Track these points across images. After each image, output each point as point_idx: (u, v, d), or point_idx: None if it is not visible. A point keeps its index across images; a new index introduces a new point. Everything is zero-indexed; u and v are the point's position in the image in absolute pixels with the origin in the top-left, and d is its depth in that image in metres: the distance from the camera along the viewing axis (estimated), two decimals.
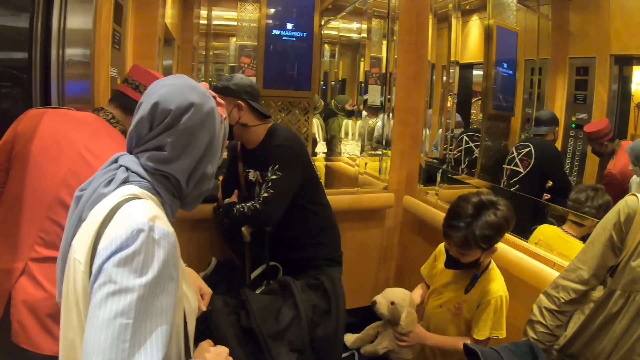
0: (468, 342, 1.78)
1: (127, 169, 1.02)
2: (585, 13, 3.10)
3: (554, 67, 3.29)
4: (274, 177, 2.06)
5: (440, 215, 2.73)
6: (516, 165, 3.00)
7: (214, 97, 1.10)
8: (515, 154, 3.05)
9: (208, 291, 1.40)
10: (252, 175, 2.24)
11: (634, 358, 1.28)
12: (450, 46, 3.12)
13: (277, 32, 2.81)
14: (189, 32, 3.47)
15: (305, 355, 1.46)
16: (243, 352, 1.40)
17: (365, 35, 3.45)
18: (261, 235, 2.22)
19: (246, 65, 4.32)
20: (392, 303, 1.89)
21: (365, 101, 3.42)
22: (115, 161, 1.06)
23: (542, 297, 1.51)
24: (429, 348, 1.97)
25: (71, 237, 1.01)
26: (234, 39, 4.35)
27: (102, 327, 0.81)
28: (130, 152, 1.07)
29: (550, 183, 2.99)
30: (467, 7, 3.34)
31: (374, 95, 3.50)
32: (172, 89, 1.02)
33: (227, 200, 2.29)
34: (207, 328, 1.24)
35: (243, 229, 2.18)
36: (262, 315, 1.50)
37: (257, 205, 2.05)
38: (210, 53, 3.86)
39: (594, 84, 3.05)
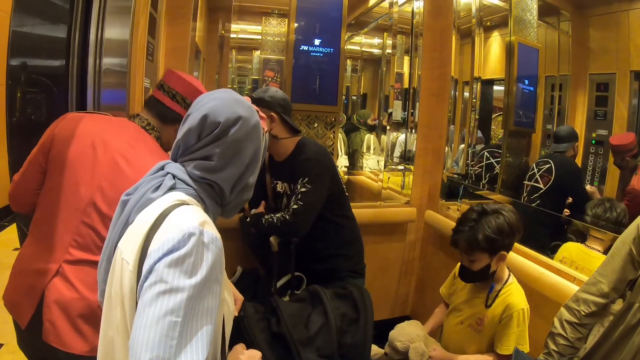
0: (492, 359, 1.81)
1: (174, 176, 1.07)
2: (605, 29, 3.13)
3: (574, 84, 3.31)
4: (303, 189, 2.10)
5: None
6: (536, 181, 3.02)
7: (257, 111, 1.15)
8: (535, 170, 3.07)
9: (240, 297, 1.45)
10: (280, 186, 2.29)
11: None
12: (473, 63, 3.16)
13: (304, 47, 2.86)
14: (214, 44, 3.55)
15: None
16: (274, 357, 1.43)
17: (389, 50, 3.51)
18: (287, 246, 2.26)
19: (270, 79, 4.41)
20: (395, 349, 1.90)
21: (390, 115, 3.46)
22: (162, 168, 1.11)
23: (563, 310, 1.55)
24: None
25: (117, 239, 1.06)
26: (257, 52, 4.45)
27: (152, 324, 0.84)
28: (175, 160, 1.12)
29: (570, 199, 2.99)
30: (488, 24, 3.38)
31: (396, 111, 3.55)
32: (221, 102, 1.08)
33: (254, 211, 2.33)
34: (239, 333, 1.27)
35: (271, 238, 2.23)
36: (293, 321, 1.54)
37: (287, 217, 2.09)
38: (233, 66, 3.94)
39: (614, 100, 3.07)
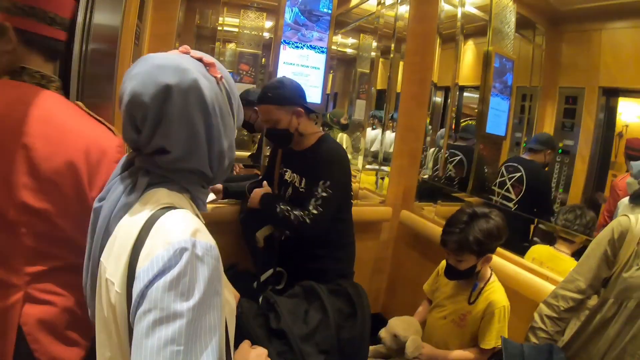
0: (474, 354, 1.89)
1: (148, 170, 0.93)
2: (578, 46, 3.29)
3: (544, 95, 3.46)
4: (324, 194, 2.04)
5: (437, 230, 2.85)
6: (508, 190, 3.13)
7: (200, 60, 0.94)
8: (505, 176, 3.18)
9: (236, 294, 1.42)
10: (289, 176, 2.24)
11: (626, 358, 1.42)
12: (456, 69, 3.25)
13: (291, 43, 2.86)
14: (190, 33, 3.50)
15: (332, 356, 1.50)
16: (275, 353, 1.44)
17: (374, 53, 3.56)
18: (273, 242, 2.27)
19: (244, 72, 4.39)
20: (395, 335, 1.97)
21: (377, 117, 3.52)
22: (131, 163, 0.97)
23: (542, 306, 1.66)
24: None
25: (98, 253, 0.93)
26: (231, 44, 4.40)
27: (152, 356, 0.76)
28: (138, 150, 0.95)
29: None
30: (465, 32, 3.48)
31: (360, 110, 3.60)
32: (140, 78, 0.86)
33: (262, 190, 2.24)
34: (236, 328, 1.27)
35: (258, 234, 2.22)
36: (292, 317, 1.54)
37: (307, 220, 2.03)
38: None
39: (582, 113, 3.24)
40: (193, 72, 0.88)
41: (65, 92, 1.59)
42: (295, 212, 2.04)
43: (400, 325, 2.00)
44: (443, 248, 1.91)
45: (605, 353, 1.47)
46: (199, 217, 0.94)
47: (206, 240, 0.84)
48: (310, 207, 2.03)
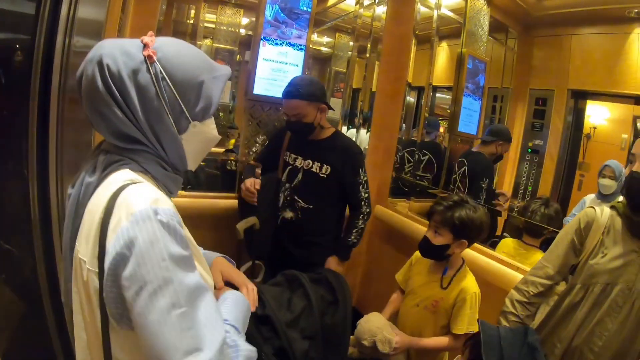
0: (448, 339, 1.96)
1: (107, 151, 0.97)
2: (548, 49, 3.41)
3: (515, 96, 3.58)
4: (365, 179, 2.41)
5: (411, 225, 2.94)
6: (458, 186, 3.23)
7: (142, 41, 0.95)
8: (456, 173, 3.30)
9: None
10: (302, 163, 2.38)
11: (594, 340, 1.52)
12: (431, 70, 3.33)
13: (271, 40, 2.89)
14: (168, 28, 3.49)
15: (316, 342, 1.54)
16: (261, 338, 1.47)
17: (350, 52, 3.60)
18: (251, 234, 2.32)
19: None
20: (363, 346, 2.00)
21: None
22: (98, 147, 1.00)
23: (513, 291, 1.75)
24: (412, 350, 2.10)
25: (70, 237, 0.97)
26: (207, 40, 4.39)
27: (162, 328, 0.80)
28: None
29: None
30: (439, 34, 3.57)
31: (336, 107, 3.64)
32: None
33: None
34: None
35: (237, 226, 2.26)
36: (276, 304, 1.58)
37: (368, 209, 2.45)
38: None
39: (551, 114, 3.37)
40: (105, 48, 0.91)
41: (47, 85, 1.63)
42: (360, 220, 2.44)
43: (363, 333, 2.01)
44: (428, 219, 2.00)
45: (574, 335, 1.56)
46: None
47: (167, 206, 0.88)
48: (362, 193, 2.40)
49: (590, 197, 2.65)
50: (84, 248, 0.89)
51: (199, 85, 0.98)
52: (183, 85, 0.96)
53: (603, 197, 2.58)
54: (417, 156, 3.46)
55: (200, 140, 1.03)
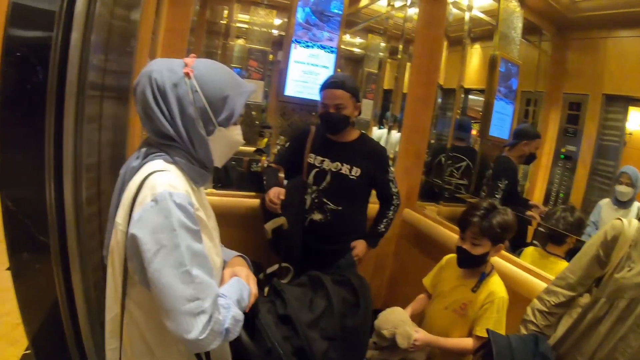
0: (471, 341, 1.94)
1: (149, 143, 1.24)
2: (583, 53, 3.33)
3: (548, 101, 3.52)
4: (393, 176, 2.51)
5: (439, 229, 2.92)
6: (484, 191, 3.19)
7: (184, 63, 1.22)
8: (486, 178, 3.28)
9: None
10: (328, 164, 2.42)
11: (616, 356, 1.47)
12: (462, 72, 3.30)
13: (302, 42, 2.92)
14: (201, 29, 3.55)
15: (336, 343, 1.56)
16: (281, 337, 1.50)
17: (382, 53, 3.60)
18: (279, 234, 2.36)
19: (253, 69, 4.44)
20: (382, 336, 2.02)
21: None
22: (145, 141, 1.27)
23: (535, 300, 1.74)
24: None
25: (115, 204, 1.24)
26: (240, 40, 4.45)
27: (170, 280, 1.08)
28: None
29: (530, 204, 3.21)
30: (472, 36, 3.54)
31: (366, 109, 3.65)
32: None
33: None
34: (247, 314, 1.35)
35: (266, 226, 2.30)
36: (298, 304, 1.61)
37: (398, 202, 2.56)
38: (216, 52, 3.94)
39: (585, 119, 3.29)
40: (155, 65, 1.20)
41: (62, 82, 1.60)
42: (391, 210, 2.54)
43: (385, 324, 2.03)
44: (461, 231, 1.98)
45: (596, 351, 1.52)
46: (192, 187, 1.23)
47: (182, 192, 1.13)
48: (393, 188, 2.50)
49: (605, 202, 2.60)
50: (120, 215, 1.17)
51: (224, 98, 1.23)
52: (212, 98, 1.21)
53: (619, 204, 2.53)
54: (451, 161, 3.43)
55: (224, 143, 1.29)
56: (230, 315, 1.17)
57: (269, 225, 2.30)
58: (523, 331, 1.70)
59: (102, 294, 1.28)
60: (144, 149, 1.23)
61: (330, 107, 2.31)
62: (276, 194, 2.35)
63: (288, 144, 2.70)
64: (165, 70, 1.18)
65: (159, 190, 1.10)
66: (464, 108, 3.88)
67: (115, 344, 1.26)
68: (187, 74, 1.18)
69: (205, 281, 1.13)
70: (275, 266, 2.34)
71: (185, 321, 1.07)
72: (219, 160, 1.31)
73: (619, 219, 1.58)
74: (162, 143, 1.21)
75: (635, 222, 1.55)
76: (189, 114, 1.18)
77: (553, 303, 1.66)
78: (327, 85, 2.32)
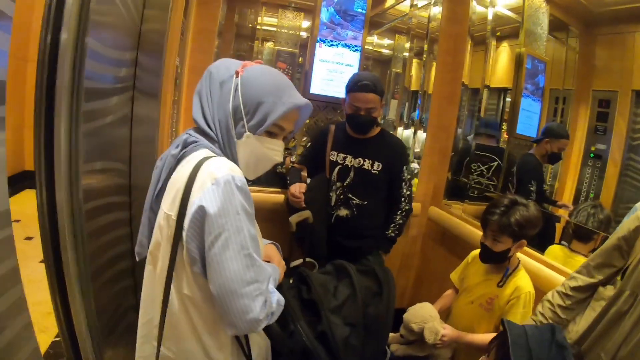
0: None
1: (189, 134, 1.26)
2: (611, 48, 3.26)
3: (577, 98, 3.46)
4: (409, 177, 2.54)
5: (465, 227, 2.91)
6: (509, 189, 3.15)
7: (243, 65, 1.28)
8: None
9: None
10: (351, 161, 2.47)
11: None
12: (487, 71, 3.29)
13: (327, 41, 2.96)
14: (230, 32, 3.62)
15: (357, 330, 1.59)
16: (305, 321, 1.53)
17: (406, 53, 3.63)
18: (304, 228, 2.38)
19: (282, 71, 4.51)
20: (411, 330, 2.05)
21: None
22: (186, 132, 1.30)
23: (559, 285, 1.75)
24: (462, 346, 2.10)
25: (152, 198, 1.29)
26: (269, 43, 4.52)
27: (232, 264, 1.11)
28: None
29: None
30: (499, 34, 3.52)
31: (392, 109, 3.67)
32: None
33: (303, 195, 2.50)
34: None
35: (290, 218, 2.34)
36: (322, 290, 1.64)
37: (408, 207, 2.56)
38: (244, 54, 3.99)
39: (615, 117, 3.23)
40: (218, 62, 1.29)
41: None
42: (398, 216, 2.53)
43: (414, 317, 2.06)
44: (482, 228, 2.00)
45: (620, 347, 1.48)
46: None
47: (240, 174, 1.16)
48: (404, 190, 2.51)
49: None
50: (170, 205, 1.18)
51: (258, 104, 1.23)
52: (248, 100, 1.23)
53: None
54: (481, 161, 3.41)
55: (252, 151, 1.27)
56: (276, 298, 1.21)
57: (294, 218, 2.34)
58: (539, 308, 1.72)
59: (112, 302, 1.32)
60: (183, 137, 1.26)
61: (361, 110, 2.35)
62: (297, 188, 2.40)
63: (310, 144, 2.74)
64: (223, 67, 1.26)
65: (220, 174, 1.12)
66: (491, 107, 3.86)
67: (149, 350, 1.26)
68: (236, 73, 1.23)
69: (262, 264, 1.18)
70: (300, 260, 2.38)
71: (245, 303, 1.11)
72: (246, 169, 1.28)
73: None
74: (201, 134, 1.25)
75: None
76: (224, 109, 1.22)
77: (571, 286, 1.67)
78: (359, 88, 2.33)
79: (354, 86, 2.34)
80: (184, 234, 1.14)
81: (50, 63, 1.39)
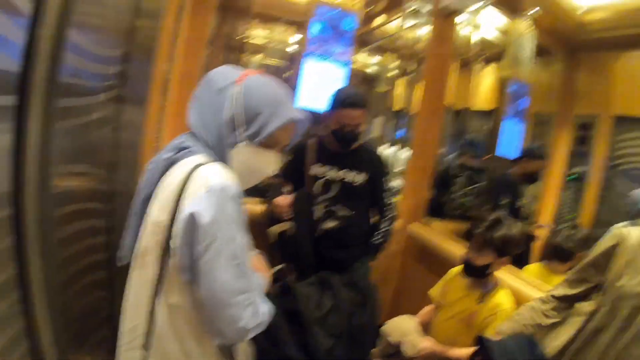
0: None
1: (183, 140, 1.22)
2: (593, 74, 3.36)
3: (559, 121, 3.54)
4: (389, 186, 2.53)
5: (445, 245, 2.93)
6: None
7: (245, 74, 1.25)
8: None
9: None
10: (335, 173, 2.43)
11: None
12: (471, 93, 3.35)
13: (316, 55, 2.99)
14: (220, 42, 3.62)
15: (341, 341, 1.58)
16: (288, 332, 1.52)
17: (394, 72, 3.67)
18: (283, 238, 2.40)
19: None
20: (389, 343, 2.03)
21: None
22: (180, 136, 1.26)
23: None
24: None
25: (141, 201, 1.22)
26: (258, 56, 4.54)
27: (223, 273, 1.08)
28: None
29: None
30: (484, 57, 3.60)
31: (377, 126, 3.71)
32: None
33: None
34: None
35: (271, 229, 2.33)
36: (306, 301, 1.63)
37: (393, 214, 2.52)
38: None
39: (595, 140, 3.31)
40: (221, 67, 1.27)
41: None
42: (385, 224, 2.49)
43: (393, 330, 2.04)
44: (467, 241, 2.03)
45: None
46: None
47: (233, 183, 1.13)
48: (388, 199, 2.50)
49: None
50: (160, 211, 1.13)
51: (256, 114, 1.20)
52: (246, 109, 1.20)
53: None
54: (465, 180, 3.45)
55: (245, 161, 1.23)
56: (266, 308, 1.20)
57: (274, 229, 2.34)
58: (517, 311, 1.78)
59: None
60: (177, 142, 1.22)
61: (349, 126, 2.33)
62: (283, 199, 2.38)
63: (289, 158, 2.72)
64: (223, 73, 1.23)
65: (214, 182, 1.09)
66: (475, 127, 3.92)
67: (133, 357, 1.20)
68: (237, 81, 1.21)
69: (252, 274, 1.17)
70: (278, 267, 2.37)
71: (235, 312, 1.09)
72: (238, 179, 1.21)
73: (622, 227, 1.59)
74: (196, 140, 1.22)
75: (637, 230, 1.55)
76: (221, 117, 1.19)
77: (552, 293, 1.71)
78: (349, 105, 2.29)
79: (343, 102, 2.30)
80: (174, 240, 1.11)
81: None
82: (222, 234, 1.08)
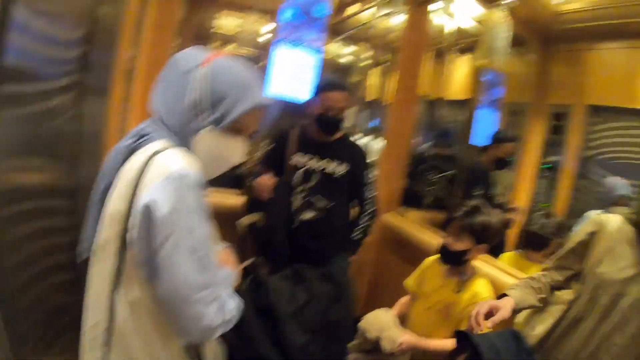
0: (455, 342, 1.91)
1: (144, 127, 1.14)
2: (567, 64, 3.38)
3: (533, 111, 3.55)
4: (370, 180, 2.49)
5: (420, 234, 2.91)
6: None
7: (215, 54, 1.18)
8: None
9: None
10: (315, 162, 2.40)
11: (600, 355, 1.45)
12: (444, 81, 3.32)
13: (288, 42, 2.93)
14: (189, 31, 3.53)
15: (317, 336, 1.54)
16: (260, 329, 1.47)
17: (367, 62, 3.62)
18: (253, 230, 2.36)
19: None
20: (366, 339, 1.97)
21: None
22: (141, 124, 1.19)
23: None
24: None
25: (100, 192, 1.13)
26: (230, 45, 4.43)
27: (182, 267, 1.00)
28: None
29: None
30: (461, 46, 3.57)
31: (350, 117, 3.66)
32: None
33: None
34: None
35: (241, 220, 2.28)
36: (278, 296, 1.58)
37: (373, 209, 2.49)
38: None
39: (569, 129, 3.33)
40: (187, 50, 1.18)
41: None
42: (365, 220, 2.47)
43: (370, 325, 1.99)
44: (445, 227, 1.99)
45: (580, 350, 1.49)
46: None
47: (194, 171, 1.05)
48: (369, 192, 2.47)
49: (590, 215, 2.58)
50: (118, 200, 1.05)
51: (221, 98, 1.12)
52: (211, 92, 1.12)
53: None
54: (436, 170, 3.42)
55: (209, 147, 1.15)
56: (234, 304, 1.14)
57: (244, 220, 2.28)
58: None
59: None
60: (139, 127, 1.14)
61: (333, 110, 2.30)
62: (266, 178, 2.33)
63: (270, 147, 2.66)
64: (190, 55, 1.15)
65: (173, 169, 1.02)
66: (449, 117, 3.91)
67: (96, 356, 1.13)
68: (203, 63, 1.13)
69: (217, 267, 1.10)
70: (250, 260, 2.32)
71: (199, 309, 1.03)
72: (202, 168, 1.15)
73: (602, 214, 1.60)
74: (160, 125, 1.14)
75: (617, 217, 1.54)
76: (185, 100, 1.11)
77: (532, 277, 1.69)
78: (332, 87, 2.29)
79: (326, 86, 2.30)
80: (131, 232, 1.03)
81: None
82: (180, 225, 1.00)
